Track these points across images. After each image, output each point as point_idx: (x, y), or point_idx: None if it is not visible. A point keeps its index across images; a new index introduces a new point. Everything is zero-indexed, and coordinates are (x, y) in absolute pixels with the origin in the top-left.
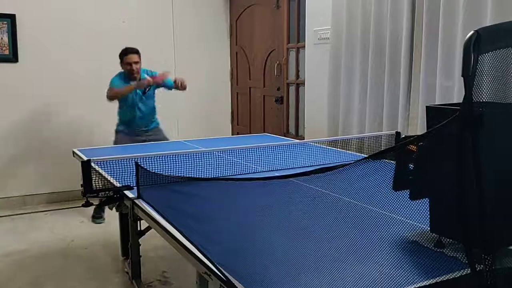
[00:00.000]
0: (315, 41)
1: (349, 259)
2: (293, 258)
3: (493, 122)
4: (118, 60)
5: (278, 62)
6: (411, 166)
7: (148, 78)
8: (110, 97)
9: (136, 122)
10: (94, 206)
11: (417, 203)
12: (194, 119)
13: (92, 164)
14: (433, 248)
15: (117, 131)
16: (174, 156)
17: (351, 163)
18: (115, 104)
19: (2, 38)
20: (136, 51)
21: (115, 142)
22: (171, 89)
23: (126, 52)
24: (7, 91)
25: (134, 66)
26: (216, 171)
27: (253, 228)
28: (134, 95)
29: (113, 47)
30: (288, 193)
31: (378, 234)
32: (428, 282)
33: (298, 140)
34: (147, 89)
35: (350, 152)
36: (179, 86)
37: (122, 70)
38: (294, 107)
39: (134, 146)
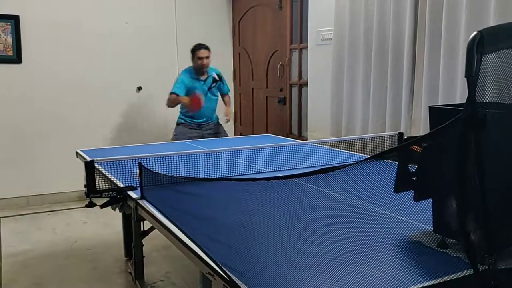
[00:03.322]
0: (318, 42)
1: (352, 259)
2: (296, 258)
3: (497, 123)
4: (119, 60)
5: (280, 63)
6: (412, 167)
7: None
8: (170, 105)
9: (200, 113)
10: (98, 207)
11: (420, 203)
12: None
13: (96, 165)
14: (436, 248)
15: (178, 123)
16: (177, 156)
17: (353, 164)
18: (117, 105)
19: (6, 39)
20: (207, 47)
21: (175, 134)
22: (222, 97)
23: (199, 47)
24: (11, 92)
25: (206, 61)
26: (219, 171)
27: (256, 228)
28: (201, 89)
29: (115, 48)
30: (291, 194)
31: (381, 235)
32: (432, 283)
33: (301, 141)
34: (213, 85)
35: (353, 152)
36: (226, 114)
37: (191, 65)
38: (297, 108)
39: (136, 147)
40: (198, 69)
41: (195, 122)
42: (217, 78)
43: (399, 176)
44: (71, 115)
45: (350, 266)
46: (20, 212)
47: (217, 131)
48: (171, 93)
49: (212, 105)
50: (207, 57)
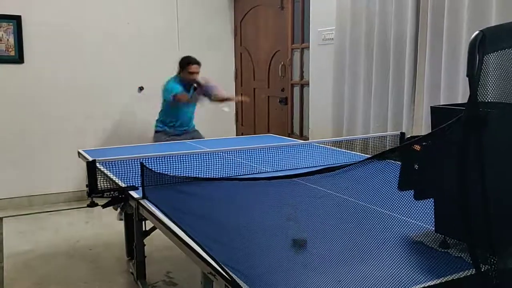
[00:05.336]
0: (320, 42)
1: (354, 259)
2: (298, 258)
3: (498, 122)
4: (121, 61)
5: (282, 62)
6: (417, 166)
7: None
8: (177, 102)
9: (182, 122)
10: (100, 207)
11: (422, 203)
12: (199, 119)
13: (97, 165)
14: (438, 248)
15: (157, 131)
16: (179, 156)
17: (355, 164)
18: (119, 105)
19: (8, 40)
20: (199, 62)
21: (155, 141)
22: (211, 100)
23: (190, 62)
24: (12, 92)
25: (196, 76)
26: (221, 171)
27: (258, 228)
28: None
29: (117, 48)
30: (292, 193)
31: (382, 234)
32: (433, 283)
33: (302, 141)
34: (194, 94)
35: (355, 152)
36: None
37: (177, 75)
38: (299, 108)
39: (138, 147)
40: (187, 82)
41: (175, 129)
42: (196, 86)
43: (402, 174)
44: (72, 115)
45: (352, 266)
46: (22, 212)
47: (197, 137)
48: (174, 95)
49: (192, 114)
50: (198, 73)
